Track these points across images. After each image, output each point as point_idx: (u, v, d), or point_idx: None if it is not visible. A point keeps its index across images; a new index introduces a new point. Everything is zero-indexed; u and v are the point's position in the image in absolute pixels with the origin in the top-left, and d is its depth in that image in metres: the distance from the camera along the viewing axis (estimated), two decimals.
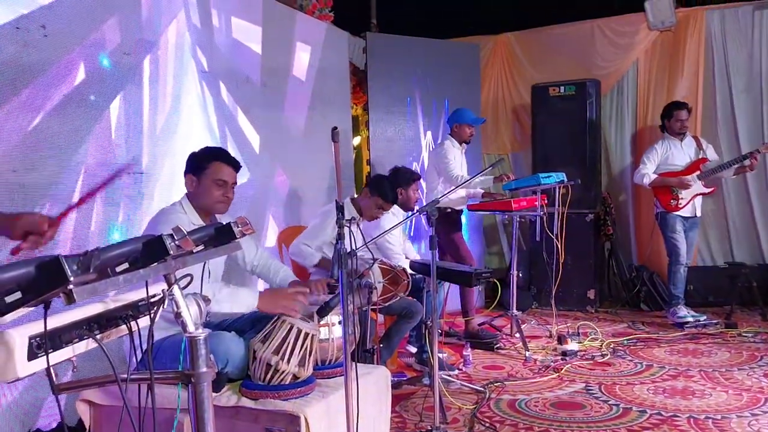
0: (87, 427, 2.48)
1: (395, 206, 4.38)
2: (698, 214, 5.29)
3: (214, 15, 4.14)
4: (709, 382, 3.79)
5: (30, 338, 1.09)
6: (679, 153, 5.27)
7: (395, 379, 3.67)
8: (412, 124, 6.09)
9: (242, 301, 2.54)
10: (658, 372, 4.04)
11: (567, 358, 4.33)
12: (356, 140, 6.66)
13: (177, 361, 1.99)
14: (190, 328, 1.29)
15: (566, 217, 4.77)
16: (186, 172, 2.75)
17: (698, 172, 5.19)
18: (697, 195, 5.21)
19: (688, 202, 5.19)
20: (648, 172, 5.24)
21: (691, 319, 5.12)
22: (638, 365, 4.20)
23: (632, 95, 6.32)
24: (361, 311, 3.02)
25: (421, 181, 4.74)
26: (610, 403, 3.51)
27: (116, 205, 3.31)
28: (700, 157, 5.27)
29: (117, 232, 3.28)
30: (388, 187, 3.99)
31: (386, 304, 3.60)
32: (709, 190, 5.25)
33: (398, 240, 4.32)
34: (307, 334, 2.40)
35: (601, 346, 4.63)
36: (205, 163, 2.71)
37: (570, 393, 3.71)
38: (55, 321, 1.16)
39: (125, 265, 1.16)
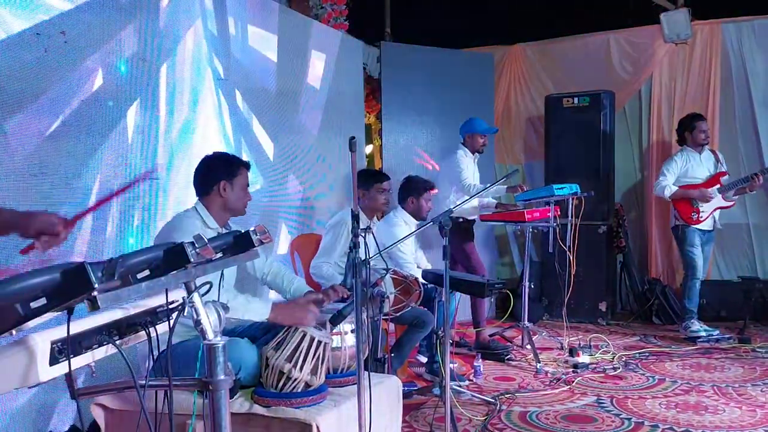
0: (102, 430, 2.49)
1: (408, 215, 4.39)
2: (718, 227, 5.26)
3: (231, 23, 4.18)
4: (722, 398, 3.75)
5: (52, 343, 1.10)
6: (698, 166, 5.23)
7: (405, 388, 3.66)
8: (425, 134, 6.09)
9: (255, 311, 2.55)
10: (670, 386, 4.01)
11: (578, 371, 4.31)
12: (369, 149, 6.68)
13: (190, 366, 2.01)
14: (210, 335, 1.30)
15: (579, 228, 4.76)
16: (217, 179, 2.76)
17: (719, 186, 5.15)
18: (717, 208, 5.17)
19: (708, 215, 5.15)
20: (669, 183, 5.18)
21: (704, 334, 5.07)
22: (650, 379, 4.17)
23: (646, 107, 6.30)
24: (372, 320, 3.02)
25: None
26: (621, 417, 3.49)
27: (132, 210, 3.33)
28: (720, 170, 5.23)
29: (132, 237, 3.31)
30: (361, 174, 4.08)
31: (398, 314, 3.60)
32: (729, 203, 5.21)
33: (410, 249, 4.32)
34: (319, 342, 2.40)
35: (612, 359, 4.60)
36: (236, 170, 2.80)
37: (581, 406, 3.68)
38: (76, 326, 1.17)
39: (146, 272, 1.17)
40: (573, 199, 4.72)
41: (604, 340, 4.96)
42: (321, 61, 5.17)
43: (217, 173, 2.78)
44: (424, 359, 4.43)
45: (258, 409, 2.33)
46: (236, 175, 2.78)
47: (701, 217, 5.14)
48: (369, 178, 4.13)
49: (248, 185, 2.85)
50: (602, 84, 6.18)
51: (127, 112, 3.34)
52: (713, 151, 5.37)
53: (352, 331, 2.62)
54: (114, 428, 2.49)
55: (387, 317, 3.53)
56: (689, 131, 5.25)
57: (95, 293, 0.99)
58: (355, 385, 2.32)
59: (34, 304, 0.99)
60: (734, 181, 5.14)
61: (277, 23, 4.63)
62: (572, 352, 4.58)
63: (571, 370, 4.35)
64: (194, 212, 2.76)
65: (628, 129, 6.41)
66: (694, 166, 5.23)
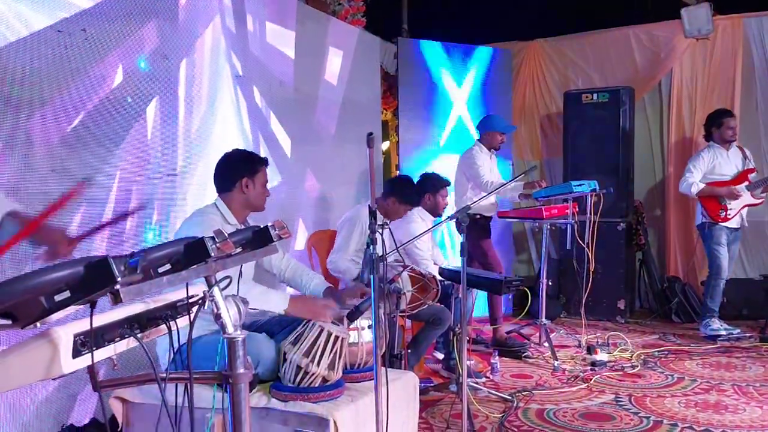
0: (120, 424, 2.51)
1: (425, 212, 4.38)
2: (745, 225, 5.19)
3: (249, 20, 4.19)
4: (742, 397, 3.71)
5: (75, 336, 1.11)
6: (726, 162, 5.13)
7: (422, 385, 3.66)
8: (442, 130, 6.08)
9: (272, 302, 2.57)
10: (689, 385, 3.97)
11: (596, 369, 4.28)
12: (385, 145, 6.68)
13: (209, 361, 2.02)
14: (230, 329, 1.31)
15: (597, 226, 4.71)
16: (240, 176, 2.78)
17: (747, 183, 5.06)
18: (745, 206, 5.09)
19: (736, 213, 5.06)
20: (695, 180, 5.07)
21: (724, 332, 5.01)
22: (669, 377, 4.13)
23: (666, 104, 6.24)
24: (389, 317, 3.02)
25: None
26: (640, 415, 3.46)
27: (151, 205, 3.36)
28: (748, 167, 5.15)
29: (151, 233, 3.34)
30: (403, 187, 4.03)
31: (414, 312, 3.60)
32: (758, 201, 5.11)
33: (427, 246, 4.31)
34: (337, 338, 2.41)
35: (631, 357, 4.56)
36: (257, 167, 2.83)
37: (599, 404, 3.66)
38: (98, 320, 1.19)
39: (167, 267, 1.18)
40: (591, 195, 4.68)
41: (622, 338, 4.92)
42: (338, 57, 5.17)
43: (239, 170, 2.80)
44: (440, 356, 4.43)
45: (275, 404, 2.34)
46: (257, 171, 2.81)
47: (729, 214, 5.04)
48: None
49: (267, 182, 2.88)
50: (622, 80, 6.13)
51: (147, 109, 3.37)
52: (741, 148, 5.25)
53: (369, 327, 2.63)
54: (132, 421, 2.51)
55: (404, 314, 3.53)
56: (717, 127, 5.16)
57: (118, 286, 1.01)
58: (372, 381, 2.32)
59: (58, 297, 1.00)
60: (763, 178, 5.05)
61: (295, 20, 4.64)
62: (590, 349, 4.55)
63: (588, 367, 4.32)
64: (214, 208, 2.78)
65: (648, 125, 6.35)
66: (722, 162, 5.13)
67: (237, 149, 2.98)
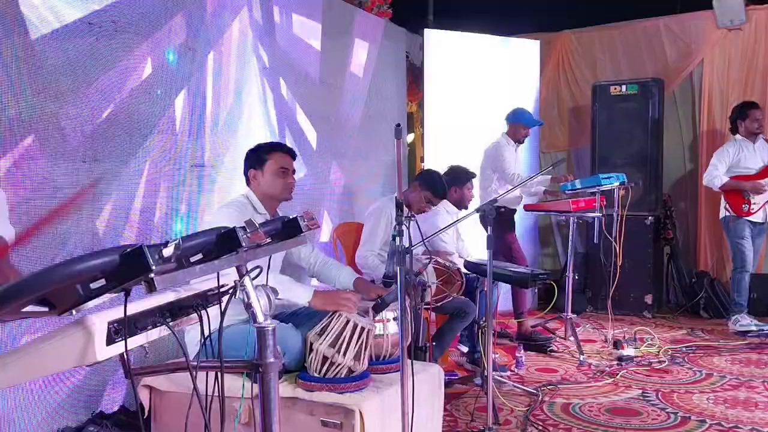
0: (147, 411, 2.56)
1: (450, 205, 4.37)
2: None
3: (276, 12, 4.20)
4: None
5: (109, 323, 1.13)
6: (752, 156, 5.05)
7: (447, 378, 3.66)
8: (468, 122, 6.04)
9: (297, 294, 2.59)
10: (718, 381, 3.91)
11: (623, 364, 4.23)
12: (410, 137, 6.66)
13: (237, 350, 2.05)
14: (260, 318, 1.32)
15: (625, 219, 4.65)
16: (248, 169, 2.85)
17: None
18: None
19: (760, 208, 4.98)
20: (720, 174, 5.02)
21: (754, 328, 4.94)
22: (697, 373, 4.08)
23: (697, 96, 6.13)
24: (413, 309, 3.02)
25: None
26: (667, 411, 3.42)
27: (179, 197, 3.40)
28: None
29: (179, 223, 3.38)
30: (438, 182, 3.99)
31: (439, 304, 3.59)
32: None
33: (452, 239, 4.30)
34: (363, 329, 2.42)
35: (658, 352, 4.51)
36: (265, 156, 2.83)
37: (626, 399, 3.63)
38: (131, 308, 1.20)
39: (199, 256, 1.19)
40: (619, 189, 4.62)
41: (649, 333, 4.87)
42: (364, 49, 5.17)
43: (246, 164, 2.86)
44: (465, 349, 4.42)
45: (302, 394, 2.36)
46: (265, 161, 2.81)
47: (752, 209, 4.97)
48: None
49: (285, 168, 2.81)
50: (652, 71, 6.03)
51: (175, 101, 3.40)
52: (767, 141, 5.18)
53: (394, 319, 2.64)
54: (159, 409, 2.55)
55: (428, 307, 3.53)
56: (742, 120, 5.08)
57: (152, 275, 1.02)
58: (398, 373, 2.33)
59: (93, 285, 1.02)
60: None
61: (321, 11, 4.65)
62: (617, 344, 4.50)
63: (615, 362, 4.28)
64: (245, 198, 2.82)
65: (678, 118, 6.24)
66: (747, 156, 5.06)
67: (258, 143, 2.99)
